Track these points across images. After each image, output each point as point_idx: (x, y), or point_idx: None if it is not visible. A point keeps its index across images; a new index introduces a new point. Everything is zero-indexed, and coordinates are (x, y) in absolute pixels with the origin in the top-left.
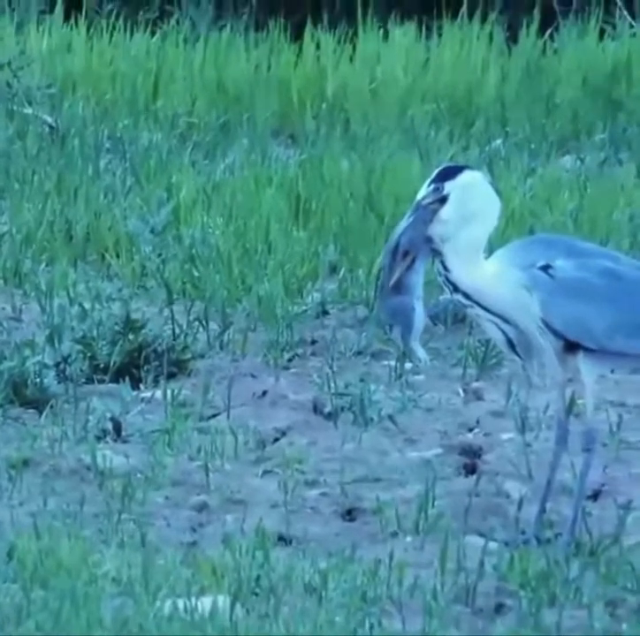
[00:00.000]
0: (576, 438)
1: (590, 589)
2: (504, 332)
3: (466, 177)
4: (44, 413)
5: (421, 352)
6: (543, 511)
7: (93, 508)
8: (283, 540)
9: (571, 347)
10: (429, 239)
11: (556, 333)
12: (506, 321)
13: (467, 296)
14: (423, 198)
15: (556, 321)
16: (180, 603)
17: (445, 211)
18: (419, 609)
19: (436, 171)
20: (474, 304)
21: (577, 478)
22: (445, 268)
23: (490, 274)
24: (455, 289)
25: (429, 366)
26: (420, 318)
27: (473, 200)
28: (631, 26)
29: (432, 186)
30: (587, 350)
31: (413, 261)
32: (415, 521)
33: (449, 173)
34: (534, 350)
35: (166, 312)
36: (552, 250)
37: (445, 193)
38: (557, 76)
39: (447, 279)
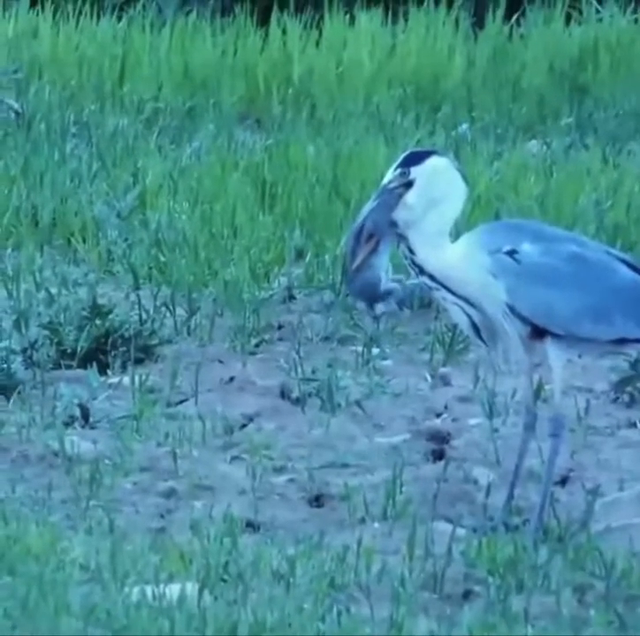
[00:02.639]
0: (544, 424)
1: (558, 575)
2: (469, 316)
3: (432, 162)
4: (11, 399)
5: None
6: (511, 497)
7: (61, 494)
8: (251, 526)
9: (538, 333)
10: (393, 224)
11: (522, 319)
12: (471, 304)
13: (432, 278)
14: (389, 182)
15: (522, 307)
16: (148, 590)
17: (411, 196)
18: (387, 595)
19: (402, 156)
20: (440, 286)
21: (545, 464)
22: (411, 251)
23: (456, 257)
24: (421, 271)
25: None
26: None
27: (438, 186)
28: (597, 11)
29: (398, 171)
30: (554, 335)
31: (377, 243)
32: (382, 507)
33: (415, 158)
34: (498, 335)
35: (133, 297)
36: (519, 235)
37: (411, 177)
38: (523, 61)
39: (413, 262)
